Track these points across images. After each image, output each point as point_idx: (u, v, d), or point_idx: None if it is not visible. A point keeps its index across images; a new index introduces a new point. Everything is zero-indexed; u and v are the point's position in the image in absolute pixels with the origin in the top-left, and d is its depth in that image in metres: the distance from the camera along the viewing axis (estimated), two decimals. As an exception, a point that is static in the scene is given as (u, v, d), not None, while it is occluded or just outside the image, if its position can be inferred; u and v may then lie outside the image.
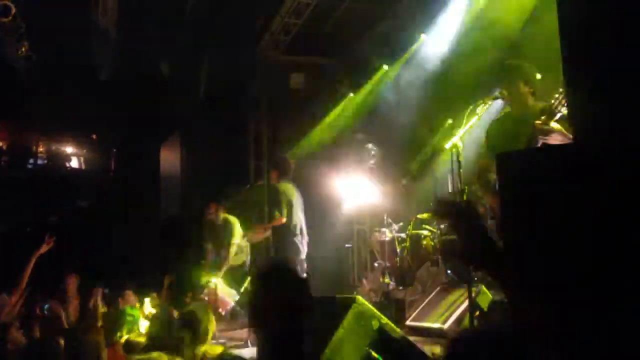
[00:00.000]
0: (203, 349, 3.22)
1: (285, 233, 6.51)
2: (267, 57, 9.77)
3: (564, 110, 3.47)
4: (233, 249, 7.33)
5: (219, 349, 3.17)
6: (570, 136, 3.31)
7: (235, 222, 7.49)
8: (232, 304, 6.95)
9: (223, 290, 6.96)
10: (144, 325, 5.51)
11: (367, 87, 9.22)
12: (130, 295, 6.90)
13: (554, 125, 3.59)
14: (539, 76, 4.24)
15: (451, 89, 7.19)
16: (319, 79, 9.94)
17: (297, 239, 6.53)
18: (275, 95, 10.04)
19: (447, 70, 7.47)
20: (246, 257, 7.70)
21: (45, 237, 5.17)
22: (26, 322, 5.04)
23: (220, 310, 6.76)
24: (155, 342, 3.80)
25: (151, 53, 9.84)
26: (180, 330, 3.27)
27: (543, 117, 3.61)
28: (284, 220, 6.45)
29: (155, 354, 2.44)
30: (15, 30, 8.35)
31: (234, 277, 7.35)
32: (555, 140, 3.56)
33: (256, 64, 9.82)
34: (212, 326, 3.47)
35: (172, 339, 3.40)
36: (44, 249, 5.13)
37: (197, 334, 3.22)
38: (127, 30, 9.33)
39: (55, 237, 5.41)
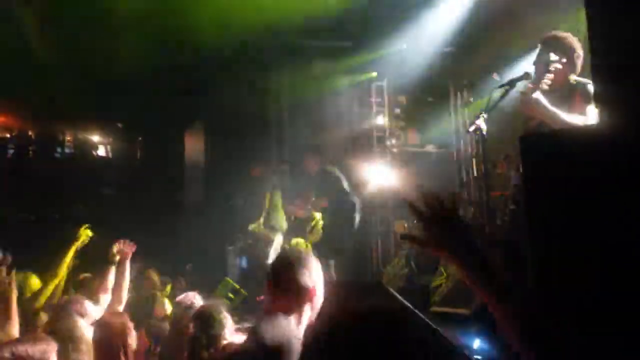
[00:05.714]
0: (223, 342, 3.19)
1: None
2: (289, 41, 9.67)
3: None
4: None
5: (238, 339, 3.12)
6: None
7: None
8: None
9: None
10: (168, 307, 5.59)
11: (389, 69, 9.05)
12: (154, 275, 6.94)
13: None
14: (580, 49, 3.96)
15: (473, 66, 7.03)
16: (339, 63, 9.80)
17: None
18: (297, 79, 9.95)
19: (466, 47, 7.28)
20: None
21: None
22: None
23: None
24: (178, 326, 3.84)
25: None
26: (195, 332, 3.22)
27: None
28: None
29: None
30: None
31: None
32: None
33: (278, 48, 9.74)
34: (225, 319, 3.42)
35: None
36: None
37: (210, 334, 3.15)
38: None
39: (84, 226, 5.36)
